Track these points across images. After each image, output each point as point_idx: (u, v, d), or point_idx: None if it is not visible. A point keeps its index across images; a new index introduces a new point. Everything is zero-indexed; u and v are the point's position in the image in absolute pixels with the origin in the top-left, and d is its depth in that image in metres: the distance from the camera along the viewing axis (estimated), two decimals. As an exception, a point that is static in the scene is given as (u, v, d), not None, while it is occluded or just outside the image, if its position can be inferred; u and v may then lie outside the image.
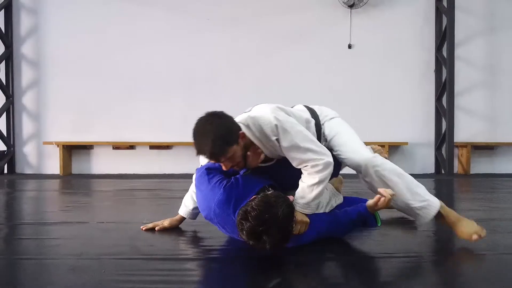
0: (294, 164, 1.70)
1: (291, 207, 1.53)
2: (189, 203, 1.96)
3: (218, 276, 1.43)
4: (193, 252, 1.70)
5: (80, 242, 1.81)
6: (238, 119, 1.74)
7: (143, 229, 1.97)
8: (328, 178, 1.71)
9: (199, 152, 1.61)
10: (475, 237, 1.64)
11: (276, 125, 1.64)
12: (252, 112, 1.77)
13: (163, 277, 1.36)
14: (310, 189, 1.66)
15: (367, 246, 1.81)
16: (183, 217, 2.00)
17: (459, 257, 1.65)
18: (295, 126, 1.69)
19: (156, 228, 1.97)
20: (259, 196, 1.51)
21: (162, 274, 1.38)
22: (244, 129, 1.67)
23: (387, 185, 1.75)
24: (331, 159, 1.69)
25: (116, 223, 2.16)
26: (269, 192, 1.54)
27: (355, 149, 1.87)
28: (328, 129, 1.97)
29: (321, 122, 2.00)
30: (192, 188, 1.92)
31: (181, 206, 2.01)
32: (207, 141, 1.57)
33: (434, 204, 1.76)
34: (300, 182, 1.70)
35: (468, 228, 1.68)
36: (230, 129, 1.62)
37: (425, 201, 1.76)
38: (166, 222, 1.99)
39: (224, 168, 1.68)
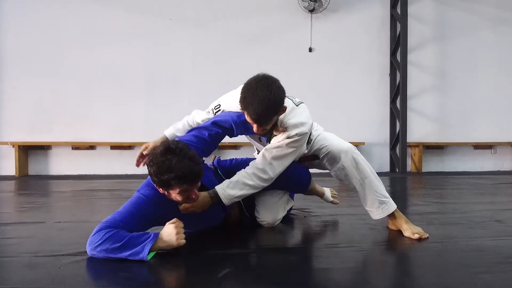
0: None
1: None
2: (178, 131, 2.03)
3: (178, 271, 1.49)
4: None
5: (36, 241, 1.81)
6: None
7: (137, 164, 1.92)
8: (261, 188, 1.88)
9: (247, 109, 1.67)
10: (416, 236, 1.82)
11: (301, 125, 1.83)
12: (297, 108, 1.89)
13: (126, 273, 1.40)
14: (245, 181, 1.83)
15: (317, 236, 1.93)
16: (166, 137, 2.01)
17: (404, 246, 1.79)
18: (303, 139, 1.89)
19: (144, 153, 1.88)
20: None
21: (122, 270, 1.42)
22: (287, 103, 1.79)
23: (361, 174, 1.93)
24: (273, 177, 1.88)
25: (73, 222, 2.16)
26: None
27: (339, 140, 2.04)
28: (315, 134, 2.11)
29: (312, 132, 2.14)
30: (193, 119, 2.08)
31: (169, 129, 2.06)
32: (260, 105, 1.63)
33: (392, 203, 1.96)
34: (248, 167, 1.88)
35: (414, 229, 1.87)
36: (281, 101, 1.70)
37: (387, 198, 1.95)
38: (150, 144, 1.92)
39: (254, 129, 1.75)
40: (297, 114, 1.84)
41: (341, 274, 1.40)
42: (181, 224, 1.56)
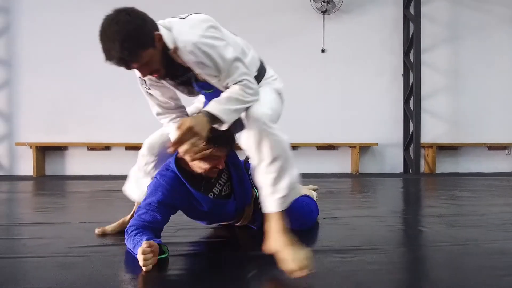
0: (221, 84, 1.52)
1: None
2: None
3: (201, 269, 1.53)
4: (173, 248, 1.78)
5: (66, 241, 1.86)
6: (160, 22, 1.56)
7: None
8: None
9: (108, 58, 1.40)
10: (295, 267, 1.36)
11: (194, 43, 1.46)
12: (183, 21, 1.62)
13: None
14: (230, 100, 1.46)
15: (335, 238, 1.96)
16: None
17: (420, 248, 1.81)
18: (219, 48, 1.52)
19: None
20: None
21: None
22: (163, 31, 1.48)
23: (260, 151, 1.46)
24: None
25: (98, 223, 2.22)
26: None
27: (267, 105, 1.56)
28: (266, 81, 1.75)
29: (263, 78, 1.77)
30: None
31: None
32: (113, 45, 1.35)
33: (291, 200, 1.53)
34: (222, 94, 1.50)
35: (293, 255, 1.38)
36: (142, 28, 1.39)
37: (292, 190, 1.51)
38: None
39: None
40: (185, 25, 1.53)
41: (366, 275, 1.42)
42: (149, 250, 1.42)
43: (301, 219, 1.98)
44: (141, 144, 2.00)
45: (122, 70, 1.53)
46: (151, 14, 1.51)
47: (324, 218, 2.36)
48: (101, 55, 1.41)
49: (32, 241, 1.90)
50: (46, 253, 1.67)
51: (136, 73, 1.58)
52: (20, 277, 1.44)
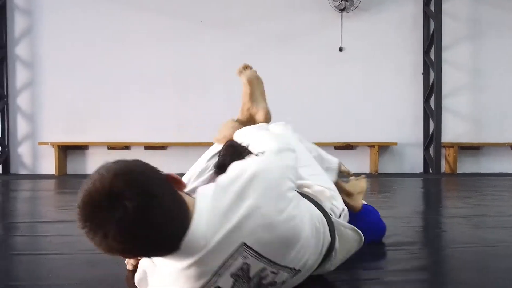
0: None
1: None
2: None
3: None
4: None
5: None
6: None
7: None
8: None
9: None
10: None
11: None
12: None
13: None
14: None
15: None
16: None
17: (446, 249, 1.78)
18: None
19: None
20: None
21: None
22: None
23: None
24: None
25: (121, 221, 2.24)
26: None
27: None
28: None
29: None
30: None
31: None
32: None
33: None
34: None
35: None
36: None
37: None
38: None
39: None
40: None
41: (392, 275, 1.40)
42: None
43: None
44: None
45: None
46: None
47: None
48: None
49: (58, 238, 1.93)
50: (72, 251, 1.69)
51: None
52: (47, 274, 1.46)
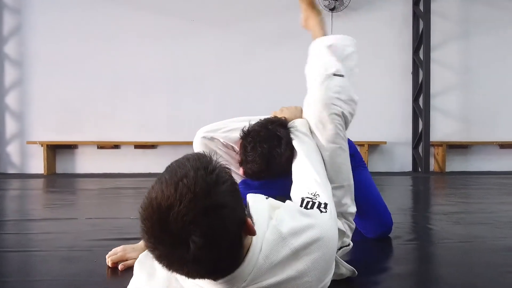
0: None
1: None
2: None
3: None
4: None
5: (71, 236, 1.89)
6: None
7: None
8: None
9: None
10: None
11: None
12: None
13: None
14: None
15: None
16: None
17: (426, 245, 1.79)
18: None
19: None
20: None
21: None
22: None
23: None
24: None
25: (104, 218, 2.24)
26: None
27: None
28: None
29: None
30: None
31: None
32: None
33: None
34: None
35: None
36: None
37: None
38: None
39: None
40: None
41: (373, 272, 1.41)
42: (115, 252, 1.41)
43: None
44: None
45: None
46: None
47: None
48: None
49: (39, 235, 1.93)
50: (51, 248, 1.69)
51: None
52: (27, 270, 1.47)
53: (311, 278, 0.92)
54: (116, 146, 5.36)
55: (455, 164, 5.62)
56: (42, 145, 5.14)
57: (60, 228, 2.07)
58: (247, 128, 1.36)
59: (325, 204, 1.07)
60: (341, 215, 1.36)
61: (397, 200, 3.21)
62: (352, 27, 5.55)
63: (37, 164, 5.21)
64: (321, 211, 1.05)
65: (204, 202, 0.74)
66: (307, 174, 1.24)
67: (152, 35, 5.38)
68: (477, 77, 5.66)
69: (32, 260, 1.57)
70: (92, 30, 5.35)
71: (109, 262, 1.41)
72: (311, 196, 1.10)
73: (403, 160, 5.61)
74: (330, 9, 5.43)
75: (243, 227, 0.83)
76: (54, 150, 5.32)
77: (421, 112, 5.42)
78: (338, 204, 1.32)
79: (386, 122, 5.58)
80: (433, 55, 5.40)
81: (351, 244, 1.38)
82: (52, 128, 5.30)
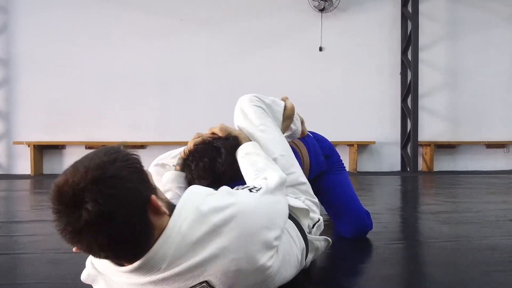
0: None
1: None
2: None
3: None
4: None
5: (57, 238, 1.85)
6: None
7: None
8: None
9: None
10: None
11: None
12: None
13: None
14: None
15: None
16: None
17: (417, 244, 1.81)
18: None
19: None
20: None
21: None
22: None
23: None
24: None
25: (92, 220, 2.22)
26: None
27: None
28: None
29: None
30: None
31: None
32: None
33: None
34: None
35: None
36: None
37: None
38: None
39: None
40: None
41: (359, 271, 1.43)
42: None
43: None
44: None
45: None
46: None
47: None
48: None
49: (25, 238, 1.90)
50: (38, 250, 1.68)
51: None
52: (13, 272, 1.45)
53: (237, 255, 0.89)
54: (104, 146, 5.31)
55: (443, 163, 5.69)
56: (29, 146, 5.08)
57: (47, 230, 2.04)
58: (186, 149, 1.38)
59: (259, 188, 1.05)
60: (297, 190, 1.34)
61: (385, 200, 3.25)
62: (341, 27, 5.59)
63: (24, 165, 5.14)
64: (251, 191, 1.03)
65: (95, 173, 0.79)
66: (249, 168, 1.24)
67: (141, 35, 5.34)
68: (464, 77, 5.74)
69: (18, 263, 1.56)
70: (80, 30, 5.30)
71: None
72: (251, 187, 1.08)
73: (391, 160, 5.66)
74: (319, 10, 5.45)
75: (148, 205, 0.84)
76: (42, 150, 5.25)
77: (409, 112, 5.48)
78: (287, 172, 1.28)
79: (375, 122, 5.62)
80: (421, 55, 5.46)
81: (321, 218, 1.38)
82: (39, 128, 5.23)
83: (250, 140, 1.35)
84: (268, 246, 0.94)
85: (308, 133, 1.83)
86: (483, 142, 5.69)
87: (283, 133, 1.52)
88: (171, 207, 0.92)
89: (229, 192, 1.02)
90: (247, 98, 1.48)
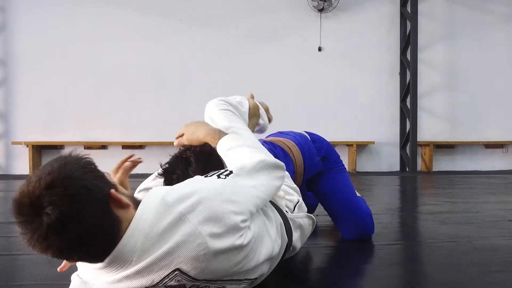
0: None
1: None
2: None
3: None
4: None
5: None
6: None
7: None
8: None
9: None
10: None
11: None
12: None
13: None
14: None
15: (328, 235, 1.96)
16: None
17: (417, 245, 1.81)
18: None
19: None
20: None
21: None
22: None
23: None
24: None
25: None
26: None
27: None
28: None
29: None
30: None
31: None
32: None
33: None
34: None
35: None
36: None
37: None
38: None
39: None
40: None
41: (358, 272, 1.42)
42: None
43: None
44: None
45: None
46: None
47: (317, 215, 2.35)
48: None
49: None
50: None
51: None
52: (10, 273, 1.44)
53: (203, 239, 0.88)
54: (103, 146, 5.31)
55: (442, 163, 5.69)
56: (27, 146, 5.06)
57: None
58: (160, 169, 1.41)
59: (229, 172, 1.04)
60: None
61: (385, 200, 3.24)
62: (340, 27, 5.59)
63: (22, 165, 5.13)
64: (219, 177, 1.03)
65: (48, 178, 0.79)
66: (236, 162, 1.17)
67: (138, 35, 5.33)
68: (463, 77, 5.75)
69: (16, 264, 1.55)
70: (78, 30, 5.29)
71: None
72: (220, 172, 1.07)
73: (391, 160, 5.66)
74: (318, 10, 5.45)
75: (110, 200, 0.85)
76: (40, 150, 5.24)
77: (408, 112, 5.48)
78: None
79: (374, 123, 5.62)
80: (420, 56, 5.47)
81: (300, 198, 1.38)
82: (38, 129, 5.22)
83: (222, 133, 1.32)
84: (235, 228, 0.92)
85: (304, 133, 1.83)
86: (482, 142, 5.70)
87: (252, 130, 1.58)
88: (137, 201, 0.93)
89: (196, 180, 1.03)
90: (213, 103, 1.52)
